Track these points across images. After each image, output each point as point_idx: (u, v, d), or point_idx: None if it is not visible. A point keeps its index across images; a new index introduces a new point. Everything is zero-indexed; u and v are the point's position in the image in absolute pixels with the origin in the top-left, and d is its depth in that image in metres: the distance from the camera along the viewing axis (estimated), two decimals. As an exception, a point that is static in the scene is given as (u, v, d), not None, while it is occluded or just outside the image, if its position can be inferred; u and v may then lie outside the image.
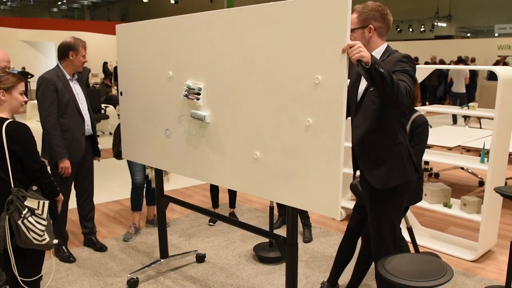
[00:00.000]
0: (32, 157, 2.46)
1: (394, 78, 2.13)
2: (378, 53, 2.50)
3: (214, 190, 4.74)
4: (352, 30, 2.44)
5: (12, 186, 2.41)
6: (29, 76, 10.86)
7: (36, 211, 2.41)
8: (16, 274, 2.46)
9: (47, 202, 2.47)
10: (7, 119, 2.44)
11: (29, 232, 2.38)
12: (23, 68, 18.59)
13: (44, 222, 2.43)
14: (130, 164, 4.24)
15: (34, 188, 2.48)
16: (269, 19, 2.29)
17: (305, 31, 2.14)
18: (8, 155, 2.38)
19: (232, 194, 4.80)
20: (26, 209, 2.38)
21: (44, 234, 2.42)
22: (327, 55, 2.06)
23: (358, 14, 2.50)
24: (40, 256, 2.58)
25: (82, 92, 3.84)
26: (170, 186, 5.94)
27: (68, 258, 3.83)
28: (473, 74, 13.60)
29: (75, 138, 3.69)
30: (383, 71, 2.07)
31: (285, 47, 2.24)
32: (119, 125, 3.96)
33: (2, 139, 2.36)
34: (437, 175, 6.47)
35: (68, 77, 3.70)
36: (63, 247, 3.86)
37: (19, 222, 2.36)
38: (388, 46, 2.54)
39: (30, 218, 2.38)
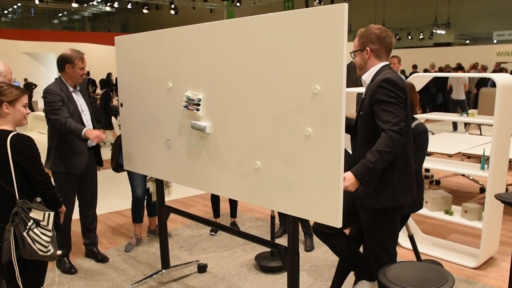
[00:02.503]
0: (36, 168, 2.48)
1: (377, 159, 2.30)
2: (371, 73, 2.62)
3: (215, 200, 4.74)
4: (354, 52, 2.68)
5: (17, 198, 2.42)
6: (34, 86, 10.89)
7: (41, 223, 2.43)
8: (20, 285, 2.46)
9: (52, 214, 2.49)
10: (11, 131, 2.47)
11: (34, 244, 2.38)
12: (25, 79, 18.67)
13: (49, 234, 2.45)
14: (131, 177, 4.24)
15: (38, 199, 2.50)
16: (267, 30, 2.32)
17: (303, 42, 2.16)
18: (13, 167, 2.40)
19: (233, 203, 4.80)
20: (32, 221, 2.40)
21: (49, 246, 2.44)
22: (325, 65, 2.08)
23: (358, 38, 2.68)
24: (43, 268, 2.60)
25: (85, 103, 3.85)
26: (171, 197, 5.94)
27: (69, 269, 3.83)
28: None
29: (78, 149, 3.70)
30: (368, 170, 2.30)
31: (283, 58, 2.26)
32: (118, 137, 3.97)
33: (7, 151, 2.38)
34: (438, 182, 6.46)
35: (70, 89, 3.72)
36: (65, 258, 3.86)
37: (25, 233, 2.36)
38: (383, 66, 2.62)
39: (35, 230, 2.39)
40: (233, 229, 3.40)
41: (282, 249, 2.62)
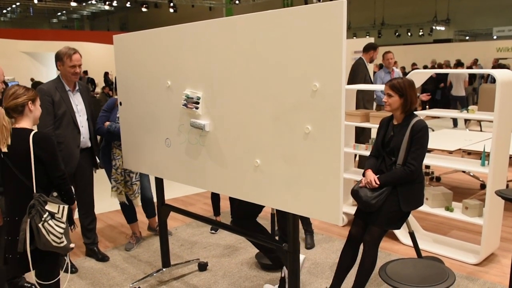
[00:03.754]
0: (55, 164, 2.64)
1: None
2: None
3: (215, 198, 4.74)
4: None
5: (35, 191, 2.55)
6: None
7: (56, 215, 2.55)
8: (33, 275, 2.58)
9: (66, 207, 2.62)
10: (32, 129, 2.63)
11: (48, 235, 2.50)
12: (32, 79, 18.61)
13: (63, 225, 2.57)
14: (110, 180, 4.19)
15: (54, 194, 2.65)
16: (266, 27, 2.31)
17: (302, 39, 2.15)
18: (33, 162, 2.55)
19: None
20: (47, 213, 2.52)
21: (62, 237, 2.55)
22: (324, 63, 2.07)
23: None
24: (58, 260, 2.71)
25: (83, 104, 3.80)
26: (171, 195, 5.95)
27: (70, 268, 3.82)
28: (472, 77, 13.63)
29: (69, 150, 3.66)
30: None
31: (282, 55, 2.25)
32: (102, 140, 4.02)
33: (30, 147, 2.53)
34: (438, 179, 6.46)
35: (67, 88, 3.69)
36: (65, 257, 3.85)
37: (40, 225, 2.48)
38: None
39: (50, 222, 2.51)
40: (234, 227, 3.39)
41: (282, 247, 2.62)
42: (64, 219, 2.58)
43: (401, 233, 4.31)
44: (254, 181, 2.53)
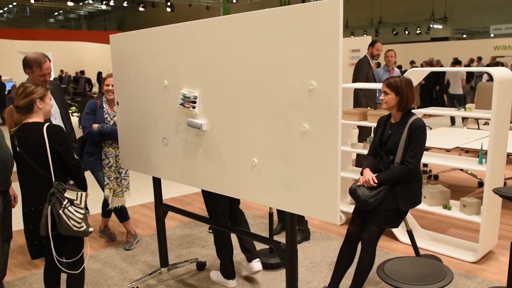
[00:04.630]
0: (69, 153, 2.81)
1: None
2: None
3: None
4: None
5: (53, 180, 2.72)
6: None
7: (75, 201, 2.72)
8: (54, 255, 2.74)
9: (84, 193, 2.79)
10: (45, 122, 2.77)
11: (69, 220, 2.67)
12: (27, 79, 18.48)
13: (82, 211, 2.74)
14: (98, 180, 4.18)
15: (71, 182, 2.84)
16: (263, 26, 2.30)
17: (298, 37, 2.15)
18: (49, 152, 2.70)
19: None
20: (66, 200, 2.68)
21: (82, 222, 2.72)
22: (321, 61, 2.07)
23: None
24: (80, 242, 2.88)
25: (56, 105, 3.67)
26: (169, 194, 5.94)
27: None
28: (469, 75, 13.65)
29: None
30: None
31: (279, 54, 2.25)
32: (81, 139, 4.04)
33: (44, 139, 2.69)
34: (436, 177, 6.47)
35: None
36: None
37: (60, 211, 2.65)
38: None
39: (70, 208, 2.68)
40: (232, 227, 3.39)
41: (280, 246, 2.62)
42: (83, 205, 2.75)
43: (399, 232, 4.31)
44: (252, 180, 2.53)
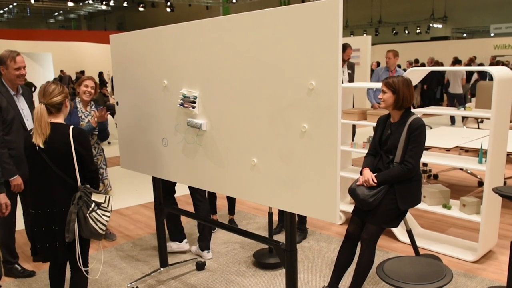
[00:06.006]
0: (91, 158, 2.79)
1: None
2: None
3: (211, 196, 4.74)
4: None
5: (79, 183, 2.70)
6: (33, 88, 10.87)
7: (102, 205, 2.72)
8: (80, 262, 2.74)
9: (111, 197, 2.80)
10: (69, 124, 2.73)
11: (96, 224, 2.67)
12: (25, 79, 18.54)
13: (109, 214, 2.75)
14: None
15: (88, 186, 2.77)
16: (262, 26, 2.30)
17: (298, 37, 2.15)
18: (75, 156, 2.67)
19: (231, 200, 4.80)
20: (94, 204, 2.68)
21: (107, 225, 2.74)
22: (320, 61, 2.07)
23: None
24: (88, 243, 2.86)
25: (28, 107, 3.68)
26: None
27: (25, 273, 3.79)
28: (470, 74, 13.65)
29: (21, 156, 3.39)
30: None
31: (278, 54, 2.25)
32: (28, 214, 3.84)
33: (70, 142, 2.65)
34: (436, 177, 6.47)
35: (12, 92, 3.56)
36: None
37: (87, 214, 2.64)
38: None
39: (98, 211, 2.68)
40: (231, 227, 3.39)
41: (279, 245, 2.62)
42: (110, 208, 2.76)
43: (399, 231, 4.31)
44: (251, 179, 2.53)
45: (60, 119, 2.75)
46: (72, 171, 2.69)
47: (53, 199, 2.69)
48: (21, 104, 3.64)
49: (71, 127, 2.70)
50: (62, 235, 2.68)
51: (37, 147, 2.64)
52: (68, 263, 2.86)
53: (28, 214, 3.89)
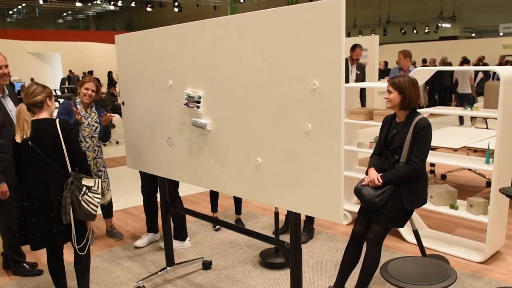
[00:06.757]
0: (78, 143, 3.07)
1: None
2: None
3: (213, 194, 4.77)
4: None
5: (69, 170, 2.94)
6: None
7: (92, 188, 2.96)
8: (75, 241, 2.98)
9: (100, 180, 3.03)
10: (55, 118, 2.99)
11: (88, 205, 2.91)
12: (32, 79, 18.74)
13: (99, 196, 2.98)
14: None
15: (78, 172, 2.99)
16: (266, 26, 2.31)
17: (301, 37, 2.15)
18: (64, 144, 2.91)
19: (238, 200, 4.81)
20: (85, 187, 2.93)
21: (98, 206, 2.98)
22: (323, 61, 2.07)
23: None
24: (85, 225, 3.07)
25: (14, 107, 3.57)
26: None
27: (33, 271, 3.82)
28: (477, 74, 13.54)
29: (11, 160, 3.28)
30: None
31: (282, 53, 2.25)
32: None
33: (58, 132, 2.90)
34: (443, 177, 6.43)
35: None
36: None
37: (80, 197, 2.89)
38: None
39: (89, 194, 2.93)
40: (237, 226, 3.40)
41: (284, 245, 2.62)
42: (99, 190, 2.98)
43: (406, 231, 4.30)
44: (255, 179, 2.53)
45: (44, 116, 2.97)
46: (63, 160, 2.93)
47: (48, 188, 2.91)
48: (9, 106, 3.54)
49: (57, 119, 2.96)
50: (59, 221, 2.91)
51: (29, 142, 2.85)
52: (72, 250, 3.12)
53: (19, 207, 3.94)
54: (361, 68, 7.70)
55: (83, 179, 2.95)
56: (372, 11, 29.28)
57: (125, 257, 4.12)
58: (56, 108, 3.73)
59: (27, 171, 2.94)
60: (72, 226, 2.93)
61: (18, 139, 2.86)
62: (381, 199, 3.01)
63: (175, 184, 4.09)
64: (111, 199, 4.52)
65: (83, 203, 2.89)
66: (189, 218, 5.06)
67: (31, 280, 3.72)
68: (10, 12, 33.90)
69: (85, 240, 3.09)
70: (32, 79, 18.51)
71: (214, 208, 4.81)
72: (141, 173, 4.26)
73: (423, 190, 3.11)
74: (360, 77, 7.57)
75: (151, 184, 4.26)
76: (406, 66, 6.88)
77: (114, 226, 4.71)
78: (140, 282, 3.56)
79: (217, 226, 4.77)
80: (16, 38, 21.99)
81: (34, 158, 2.89)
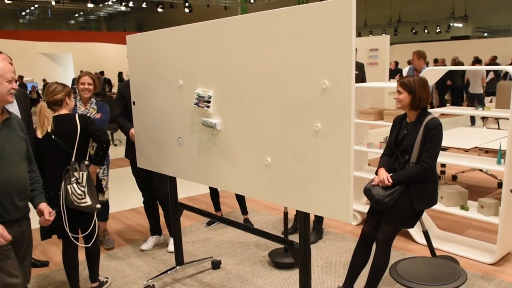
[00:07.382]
0: (95, 127, 3.24)
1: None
2: None
3: (214, 194, 4.81)
4: None
5: (73, 159, 3.14)
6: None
7: (78, 180, 3.09)
8: (67, 229, 3.13)
9: (85, 173, 3.13)
10: (74, 113, 3.26)
11: (72, 195, 3.05)
12: (44, 80, 18.94)
13: (82, 189, 3.08)
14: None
15: (86, 163, 3.18)
16: (275, 25, 2.31)
17: (311, 37, 2.15)
18: (79, 136, 3.14)
19: (241, 200, 4.78)
20: (74, 178, 3.08)
21: (83, 198, 3.08)
22: (334, 60, 2.07)
23: None
24: (90, 218, 3.24)
25: (19, 112, 3.56)
26: (185, 194, 6.00)
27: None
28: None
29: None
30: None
31: (292, 53, 2.25)
32: None
33: (77, 126, 3.15)
34: (454, 178, 6.38)
35: None
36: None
37: (68, 186, 3.06)
38: None
39: (74, 185, 3.06)
40: (247, 226, 3.40)
41: (293, 245, 2.62)
42: (84, 183, 3.08)
43: (416, 232, 4.27)
44: (265, 179, 2.54)
45: (64, 112, 3.22)
46: (85, 150, 3.21)
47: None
48: (11, 109, 3.46)
49: (77, 114, 3.24)
50: (72, 210, 3.12)
51: (52, 136, 3.10)
52: (82, 241, 3.29)
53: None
54: (360, 68, 7.52)
55: (76, 171, 3.10)
56: (383, 11, 29.15)
57: (134, 256, 4.15)
58: None
59: (49, 164, 3.15)
60: (63, 212, 3.08)
61: (39, 134, 3.10)
62: (390, 199, 3.00)
63: (166, 180, 4.08)
64: (107, 201, 4.32)
65: (69, 191, 3.04)
66: (199, 217, 5.09)
67: (36, 272, 3.77)
68: (23, 13, 34.24)
69: (89, 231, 3.23)
70: (44, 80, 18.71)
71: (217, 207, 4.84)
72: (135, 175, 4.28)
73: (433, 190, 3.09)
74: (360, 77, 7.36)
75: (146, 188, 4.28)
76: (420, 67, 6.79)
77: (108, 231, 4.53)
78: (149, 281, 3.58)
79: (212, 224, 4.86)
80: (28, 39, 22.22)
81: (56, 151, 3.13)
